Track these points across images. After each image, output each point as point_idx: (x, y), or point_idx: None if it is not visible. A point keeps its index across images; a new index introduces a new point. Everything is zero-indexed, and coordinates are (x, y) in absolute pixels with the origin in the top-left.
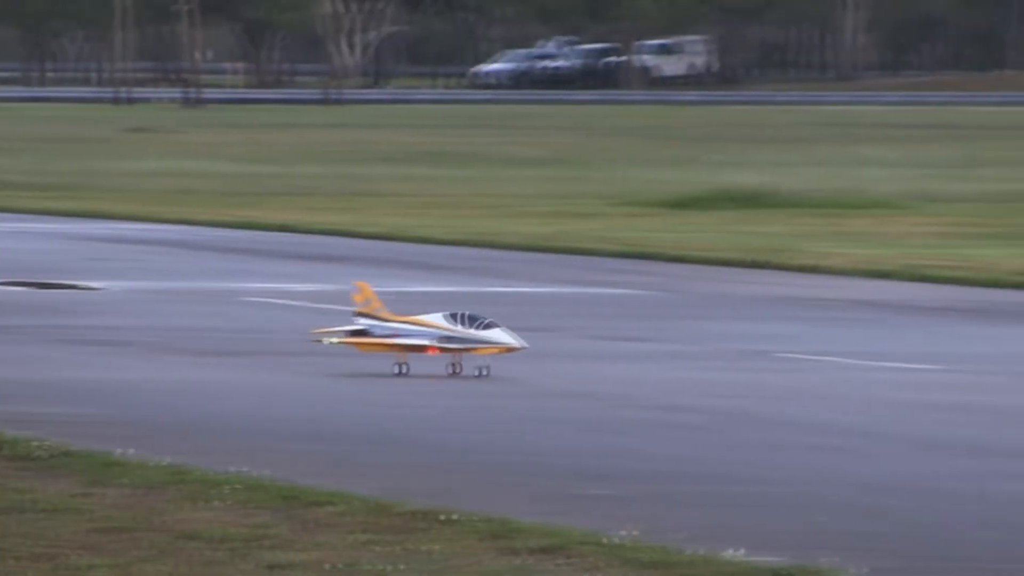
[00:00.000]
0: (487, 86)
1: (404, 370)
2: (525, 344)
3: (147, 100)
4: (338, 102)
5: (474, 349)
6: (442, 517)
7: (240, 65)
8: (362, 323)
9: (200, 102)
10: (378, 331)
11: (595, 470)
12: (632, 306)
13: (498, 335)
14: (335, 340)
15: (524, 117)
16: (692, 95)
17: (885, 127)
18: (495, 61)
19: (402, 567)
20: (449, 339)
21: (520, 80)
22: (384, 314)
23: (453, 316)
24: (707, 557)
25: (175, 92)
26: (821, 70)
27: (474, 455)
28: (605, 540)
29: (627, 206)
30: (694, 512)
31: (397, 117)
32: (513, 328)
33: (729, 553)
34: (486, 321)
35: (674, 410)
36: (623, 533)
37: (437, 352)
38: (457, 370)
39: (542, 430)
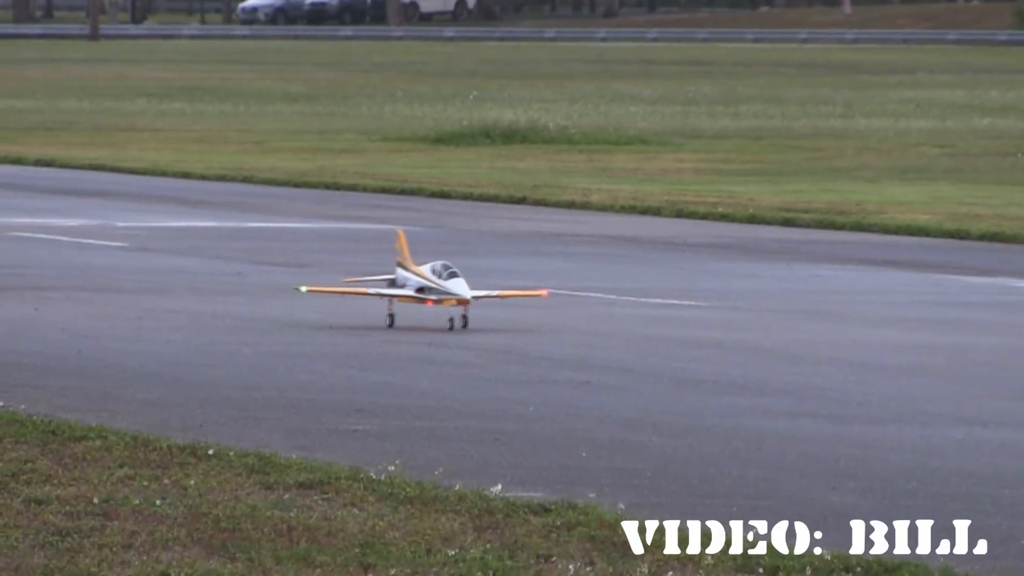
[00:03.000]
0: (251, 22)
1: (389, 322)
2: (468, 296)
3: None
4: (99, 37)
5: (444, 300)
6: (201, 452)
7: None
8: (397, 273)
9: None
10: (399, 280)
11: (356, 405)
12: (393, 241)
13: (456, 286)
14: (303, 289)
15: (285, 53)
16: (453, 31)
17: (645, 63)
18: None
19: (158, 502)
20: (424, 289)
21: (283, 16)
22: (408, 264)
23: (437, 267)
24: (465, 493)
25: None
26: (588, 8)
27: (236, 390)
28: (364, 475)
29: (388, 142)
30: (454, 448)
31: (158, 52)
32: (272, 264)
33: (488, 489)
34: (450, 271)
35: (436, 346)
36: (382, 468)
37: (431, 304)
38: (457, 324)
39: (303, 365)
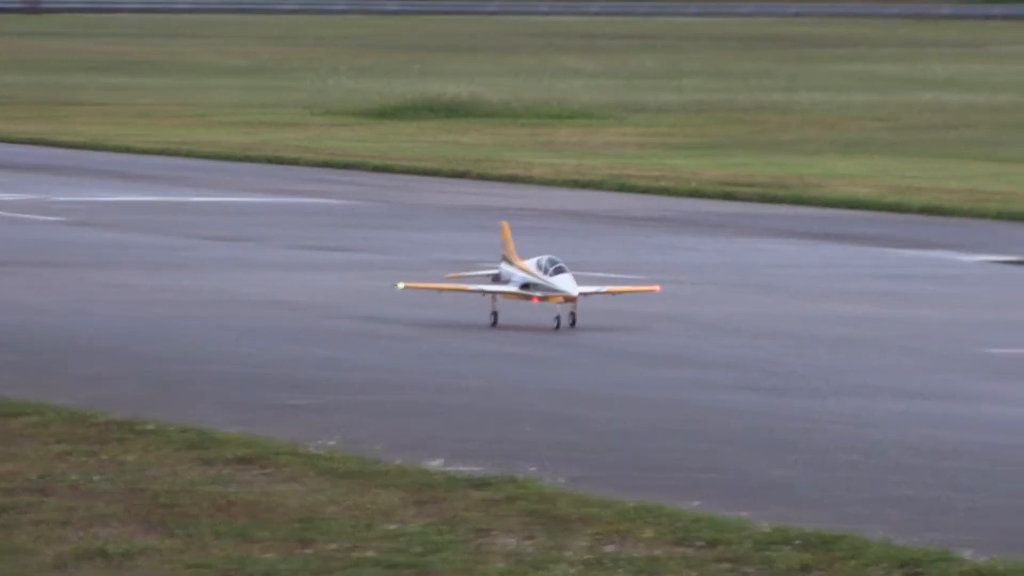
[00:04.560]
0: None
1: (493, 320)
2: (574, 293)
3: None
4: (40, 10)
5: (549, 297)
6: (140, 427)
7: None
8: (501, 267)
9: None
10: (503, 275)
11: (296, 380)
12: (336, 216)
13: (562, 282)
14: (401, 285)
15: (227, 26)
16: (395, 4)
17: (588, 37)
18: None
19: (96, 478)
20: (529, 286)
21: None
22: (512, 257)
23: (543, 262)
24: (405, 467)
25: None
26: None
27: (177, 365)
28: (303, 450)
29: (331, 116)
30: (395, 422)
31: (100, 26)
32: (216, 237)
33: (428, 463)
34: (556, 266)
35: (379, 321)
36: (321, 443)
37: (536, 300)
38: (564, 323)
39: (244, 341)
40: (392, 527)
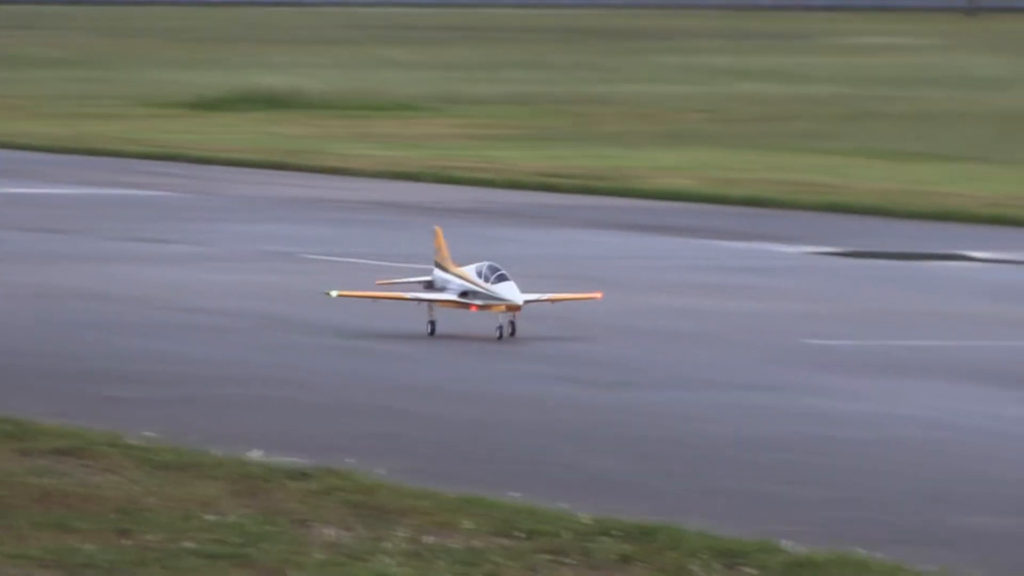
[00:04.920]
0: None
1: (430, 329)
2: (519, 302)
3: None
4: None
5: (491, 306)
6: None
7: None
8: (435, 274)
9: None
10: (438, 282)
11: (115, 372)
12: (157, 208)
13: (505, 290)
14: (334, 293)
15: (45, 17)
16: None
17: (406, 28)
18: None
19: None
20: (468, 294)
21: None
22: (446, 263)
23: (483, 269)
24: (224, 458)
25: None
26: None
27: None
28: (122, 441)
29: (151, 107)
30: (218, 414)
31: None
32: (34, 229)
33: (248, 454)
34: (497, 273)
35: (199, 312)
36: (141, 435)
37: (475, 309)
38: (505, 333)
39: (62, 333)
40: (211, 518)
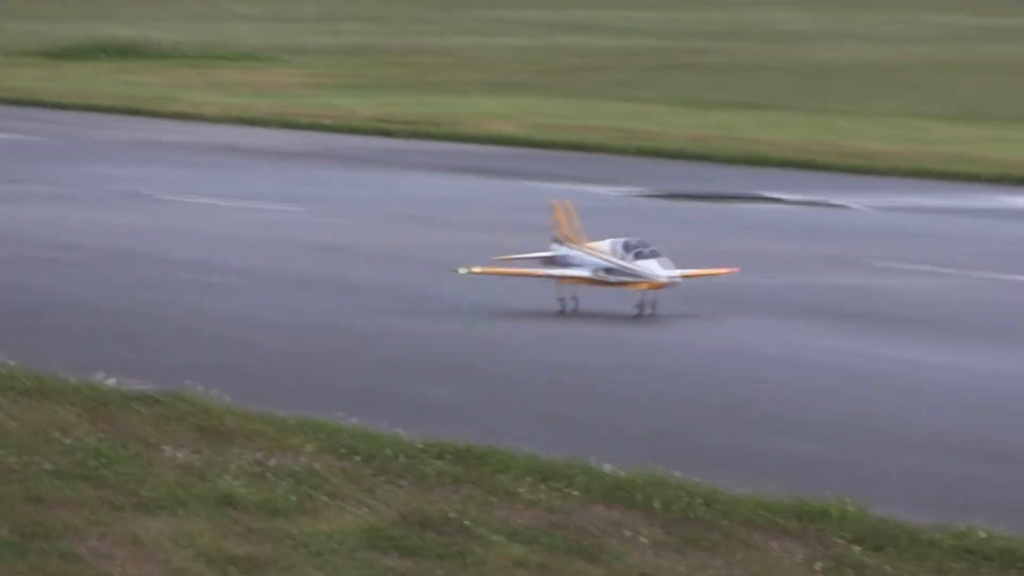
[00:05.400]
0: None
1: (568, 307)
2: (676, 279)
3: None
4: None
5: (628, 283)
6: None
7: None
8: (556, 249)
9: None
10: (569, 259)
11: None
12: (14, 151)
13: (651, 268)
14: (476, 269)
15: None
16: None
17: None
18: None
19: None
20: (608, 271)
21: None
22: (574, 237)
23: (625, 244)
24: (80, 385)
25: None
26: None
27: None
28: None
29: (7, 56)
30: (76, 345)
31: None
32: None
33: (102, 381)
34: (647, 250)
35: (56, 247)
36: (1, 362)
37: (597, 284)
38: (646, 311)
39: None
40: (68, 441)
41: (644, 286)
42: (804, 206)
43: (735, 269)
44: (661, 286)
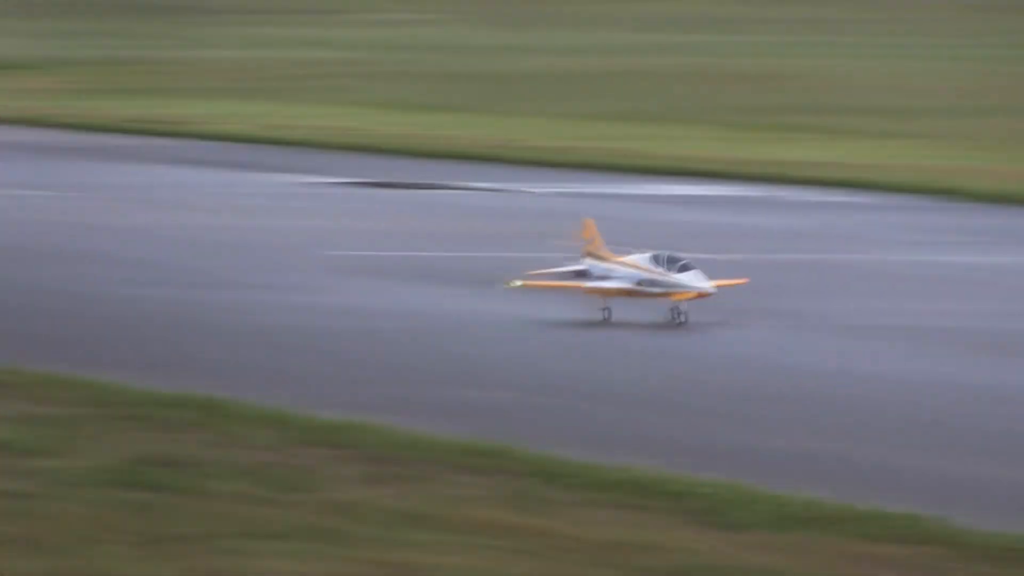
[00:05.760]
0: None
1: (607, 315)
2: (713, 290)
3: None
4: None
5: (669, 294)
6: None
7: None
8: (586, 263)
9: None
10: (595, 271)
11: None
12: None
13: (691, 279)
14: (518, 283)
15: None
16: None
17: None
18: None
19: None
20: (650, 283)
21: None
22: (603, 252)
23: (655, 258)
24: None
25: None
26: None
27: None
28: None
29: None
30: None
31: None
32: None
33: None
34: (681, 262)
35: None
36: None
37: (638, 296)
38: (678, 319)
39: None
40: None
41: (691, 296)
42: (491, 192)
43: (745, 280)
44: (708, 296)
